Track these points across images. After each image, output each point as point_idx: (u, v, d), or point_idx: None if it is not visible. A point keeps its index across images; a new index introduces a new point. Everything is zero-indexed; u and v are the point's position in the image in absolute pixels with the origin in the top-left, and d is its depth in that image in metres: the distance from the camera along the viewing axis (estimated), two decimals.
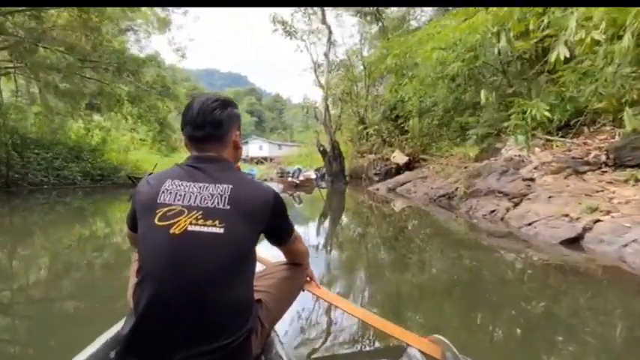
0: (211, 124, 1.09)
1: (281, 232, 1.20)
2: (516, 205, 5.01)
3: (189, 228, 0.95)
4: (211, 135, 1.10)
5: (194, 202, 0.98)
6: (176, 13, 15.96)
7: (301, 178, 14.05)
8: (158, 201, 1.00)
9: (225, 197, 0.99)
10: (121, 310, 2.33)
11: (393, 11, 18.37)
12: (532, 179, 5.47)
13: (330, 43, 15.14)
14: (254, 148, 42.66)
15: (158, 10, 15.65)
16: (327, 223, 6.39)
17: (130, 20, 16.07)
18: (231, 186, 1.01)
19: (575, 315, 2.24)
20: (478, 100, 11.56)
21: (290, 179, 14.01)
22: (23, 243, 4.66)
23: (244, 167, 21.85)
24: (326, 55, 15.33)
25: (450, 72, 7.76)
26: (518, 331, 2.03)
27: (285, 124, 66.76)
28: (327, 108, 15.12)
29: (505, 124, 7.95)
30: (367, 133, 16.89)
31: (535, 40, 5.70)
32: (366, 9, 16.30)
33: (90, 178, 13.42)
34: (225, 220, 0.97)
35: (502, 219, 4.87)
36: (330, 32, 14.99)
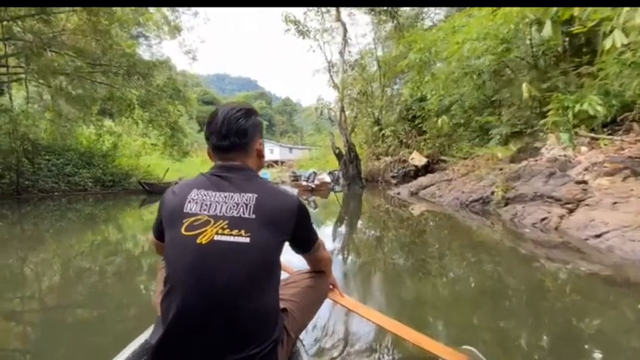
0: (236, 134, 1.09)
1: (305, 241, 1.20)
2: (571, 211, 4.42)
3: (216, 238, 0.96)
4: (236, 144, 1.10)
5: (220, 212, 0.99)
6: (186, 14, 15.66)
7: (317, 182, 13.50)
8: (184, 211, 1.00)
9: (251, 206, 0.99)
10: (132, 317, 2.39)
11: (406, 9, 17.83)
12: (584, 182, 4.86)
13: (345, 41, 14.59)
14: (265, 151, 42.36)
15: (168, 14, 15.39)
16: (348, 231, 5.87)
17: (141, 26, 15.89)
18: (256, 195, 1.01)
19: None
20: (498, 98, 10.99)
21: (305, 183, 13.48)
22: (34, 250, 4.65)
23: None
24: (341, 53, 14.78)
25: (480, 66, 7.18)
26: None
27: (296, 127, 66.65)
28: (342, 109, 14.57)
29: (542, 121, 7.38)
30: (383, 135, 16.34)
31: (591, 25, 5.09)
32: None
33: (101, 184, 13.20)
34: (251, 229, 0.97)
35: (556, 228, 4.28)
36: (345, 30, 14.44)
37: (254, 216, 0.98)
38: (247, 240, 0.95)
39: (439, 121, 10.04)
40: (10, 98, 12.51)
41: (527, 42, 8.06)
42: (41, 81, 12.13)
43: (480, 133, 11.53)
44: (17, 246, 5.00)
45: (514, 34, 7.04)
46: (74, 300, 2.78)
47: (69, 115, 13.56)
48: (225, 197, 1.01)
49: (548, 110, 7.18)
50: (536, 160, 6.23)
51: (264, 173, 19.93)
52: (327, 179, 14.39)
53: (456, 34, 7.34)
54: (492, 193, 6.17)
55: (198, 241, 0.95)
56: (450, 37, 8.09)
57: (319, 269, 1.42)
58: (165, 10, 15.29)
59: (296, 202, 1.08)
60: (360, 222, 7.02)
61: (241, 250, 0.95)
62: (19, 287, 3.13)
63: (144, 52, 17.36)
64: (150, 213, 9.22)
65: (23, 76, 12.39)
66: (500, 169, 6.71)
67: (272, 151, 43.17)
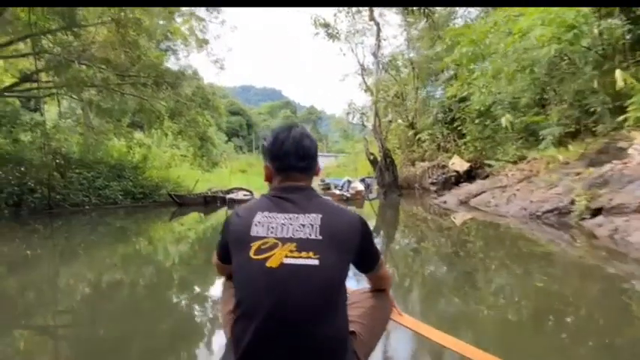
0: (308, 156, 1.09)
1: (370, 258, 1.14)
2: None
3: (285, 261, 0.92)
4: (307, 166, 1.10)
5: (287, 234, 0.95)
6: (213, 23, 15.44)
7: (351, 190, 12.75)
8: (251, 234, 0.97)
9: (317, 227, 0.96)
10: (164, 333, 2.37)
11: (436, 8, 17.01)
12: None
13: (379, 41, 13.81)
14: None
15: (195, 24, 15.24)
16: (397, 247, 5.11)
17: (170, 40, 15.90)
18: (320, 215, 0.98)
19: None
20: (545, 97, 9.92)
21: (339, 192, 12.74)
22: (67, 265, 4.75)
23: None
24: (374, 54, 14.02)
25: (545, 56, 6.26)
26: None
27: (321, 134, 66.54)
28: (376, 112, 13.77)
29: (620, 117, 6.40)
30: (419, 139, 15.46)
31: None
32: None
33: (131, 196, 12.98)
34: (320, 251, 0.93)
35: None
36: (379, 29, 13.68)
37: (321, 237, 0.94)
38: (316, 262, 0.91)
39: (503, 119, 9.00)
40: (41, 113, 12.56)
41: (595, 31, 7.08)
42: (71, 94, 12.11)
43: (525, 134, 10.51)
44: (51, 261, 5.01)
45: (584, 19, 6.12)
46: (106, 316, 2.71)
47: (100, 128, 13.54)
48: (290, 219, 0.97)
49: (628, 105, 6.22)
50: (625, 163, 5.25)
51: None
52: (361, 187, 13.63)
53: (514, 23, 6.48)
54: (572, 202, 5.25)
55: (268, 265, 0.91)
56: (503, 28, 7.24)
57: (380, 287, 1.31)
58: (192, 20, 15.18)
59: (359, 219, 1.04)
60: (411, 235, 6.23)
61: (311, 273, 0.91)
62: (51, 302, 3.13)
63: (172, 66, 17.38)
64: (180, 225, 8.88)
65: (54, 90, 12.45)
66: (577, 174, 5.75)
67: None
